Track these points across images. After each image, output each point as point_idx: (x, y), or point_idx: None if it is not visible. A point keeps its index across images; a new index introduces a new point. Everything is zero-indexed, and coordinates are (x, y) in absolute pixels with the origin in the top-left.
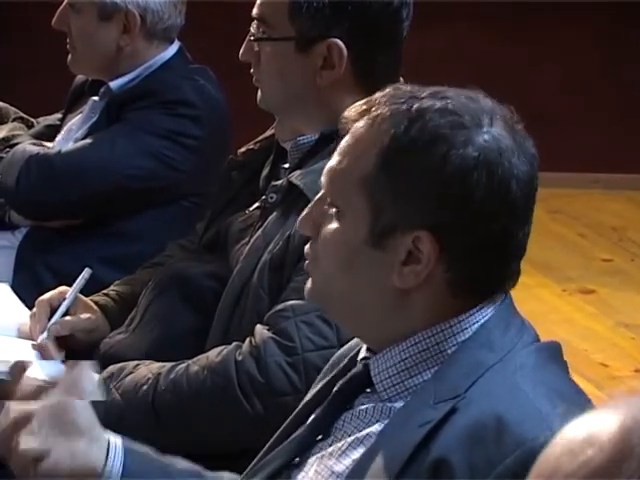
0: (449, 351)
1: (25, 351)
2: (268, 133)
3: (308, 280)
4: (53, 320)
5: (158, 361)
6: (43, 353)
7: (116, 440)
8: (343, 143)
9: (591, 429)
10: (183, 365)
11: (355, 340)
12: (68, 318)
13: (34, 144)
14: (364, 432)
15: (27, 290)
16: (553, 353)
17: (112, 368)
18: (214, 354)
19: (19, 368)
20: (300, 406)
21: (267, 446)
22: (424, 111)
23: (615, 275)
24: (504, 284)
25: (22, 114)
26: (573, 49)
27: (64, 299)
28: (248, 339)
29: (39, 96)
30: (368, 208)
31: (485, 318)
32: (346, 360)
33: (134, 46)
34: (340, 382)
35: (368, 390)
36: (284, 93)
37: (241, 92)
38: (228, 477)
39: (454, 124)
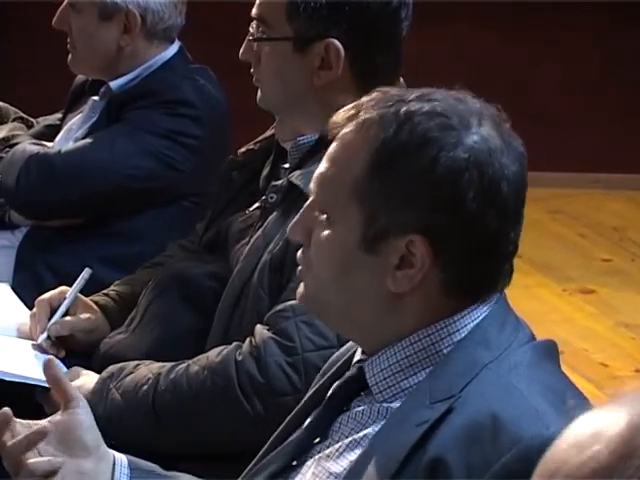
0: (445, 351)
1: (25, 351)
2: (268, 133)
3: (300, 285)
4: (53, 320)
5: (158, 361)
6: (43, 353)
7: (121, 457)
8: (331, 149)
9: (599, 425)
10: (183, 365)
11: (351, 342)
12: (68, 318)
13: (34, 144)
14: (361, 434)
15: (27, 290)
16: (549, 351)
17: (112, 368)
18: (214, 354)
19: (51, 376)
20: (297, 408)
21: (264, 448)
22: (412, 114)
23: (615, 275)
24: (498, 283)
25: (22, 114)
26: (573, 49)
27: (64, 299)
28: (248, 339)
29: (39, 96)
30: (360, 213)
31: (480, 317)
32: (341, 362)
33: (134, 46)
34: (335, 385)
35: (362, 393)
36: (283, 93)
37: (241, 92)
38: None
39: (443, 126)
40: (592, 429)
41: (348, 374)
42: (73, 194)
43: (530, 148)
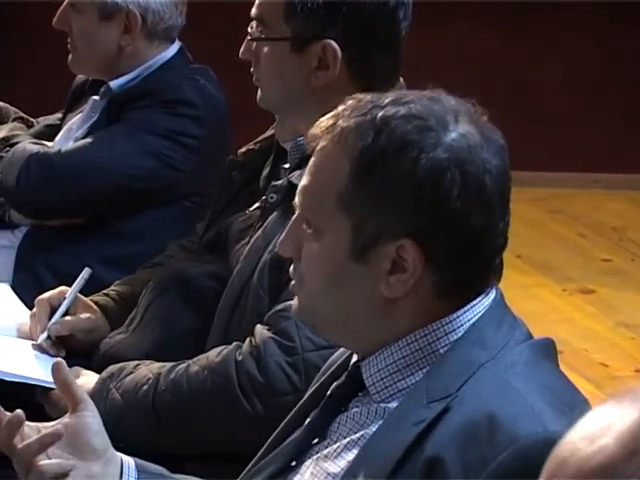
0: (441, 350)
1: (25, 351)
2: (268, 133)
3: (294, 298)
4: (53, 320)
5: (158, 361)
6: (43, 353)
7: (129, 460)
8: (312, 162)
9: (610, 418)
10: (183, 365)
11: None
12: (68, 318)
13: (34, 143)
14: (359, 434)
15: (27, 290)
16: (546, 350)
17: (112, 368)
18: (214, 354)
19: (61, 379)
20: (296, 408)
21: (263, 449)
22: (389, 119)
23: (615, 275)
24: (489, 279)
25: (22, 114)
26: (573, 49)
27: (64, 299)
28: (248, 339)
29: (39, 96)
30: (347, 223)
31: (477, 316)
32: (339, 362)
33: (135, 46)
34: (333, 386)
35: (360, 394)
36: (282, 93)
37: (241, 92)
38: None
39: (420, 128)
40: (603, 422)
41: (345, 375)
42: (73, 194)
43: (530, 148)
